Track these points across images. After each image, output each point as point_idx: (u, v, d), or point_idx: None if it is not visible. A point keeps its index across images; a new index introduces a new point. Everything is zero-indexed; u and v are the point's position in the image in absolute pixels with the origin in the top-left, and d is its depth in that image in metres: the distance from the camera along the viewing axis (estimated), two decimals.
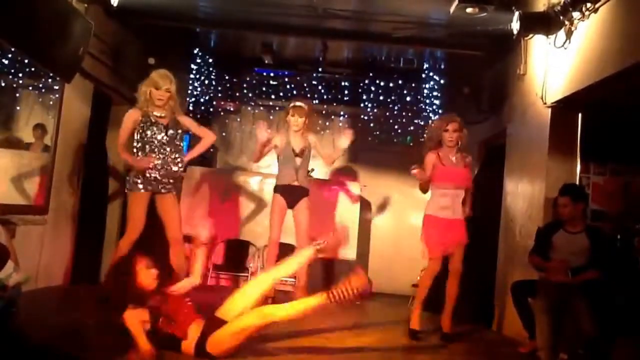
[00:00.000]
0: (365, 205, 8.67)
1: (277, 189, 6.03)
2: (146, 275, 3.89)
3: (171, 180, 5.08)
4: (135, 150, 5.01)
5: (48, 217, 5.67)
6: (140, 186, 4.97)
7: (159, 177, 5.00)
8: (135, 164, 4.96)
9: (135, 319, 3.67)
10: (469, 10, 5.41)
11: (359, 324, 5.53)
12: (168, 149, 5.02)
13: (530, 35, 5.65)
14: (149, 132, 4.99)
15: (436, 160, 5.22)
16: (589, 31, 4.66)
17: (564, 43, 4.99)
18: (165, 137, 5.02)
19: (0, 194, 4.99)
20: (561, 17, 4.97)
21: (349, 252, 7.66)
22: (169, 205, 5.09)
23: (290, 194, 5.96)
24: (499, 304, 6.01)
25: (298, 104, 6.05)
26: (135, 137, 5.00)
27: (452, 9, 5.50)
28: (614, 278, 4.52)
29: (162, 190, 5.05)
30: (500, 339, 5.69)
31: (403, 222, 9.18)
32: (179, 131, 5.14)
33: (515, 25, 5.28)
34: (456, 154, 5.26)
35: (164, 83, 4.98)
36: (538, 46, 5.70)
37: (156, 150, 4.99)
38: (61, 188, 5.89)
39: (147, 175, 4.95)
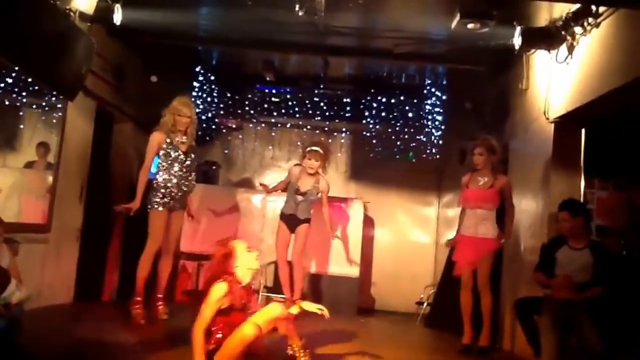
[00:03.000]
0: (368, 221, 8.64)
1: (281, 216, 6.38)
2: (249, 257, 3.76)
3: (183, 199, 5.60)
4: (158, 169, 5.45)
5: (51, 235, 5.66)
6: (160, 206, 5.43)
7: (175, 197, 5.48)
8: (137, 198, 5.37)
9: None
10: (470, 25, 5.43)
11: (362, 341, 5.48)
12: (186, 171, 5.52)
13: (532, 51, 5.68)
14: (172, 155, 5.44)
15: (464, 182, 5.54)
16: (591, 46, 4.67)
17: (566, 58, 5.01)
18: (184, 161, 5.50)
19: (3, 212, 4.97)
20: (563, 32, 4.99)
21: (351, 269, 7.62)
22: (177, 220, 5.62)
23: (291, 221, 6.30)
24: (504, 320, 5.96)
25: (314, 148, 6.24)
26: (160, 158, 5.44)
27: (453, 25, 5.52)
28: (618, 294, 4.48)
29: (176, 208, 5.54)
30: (506, 356, 5.63)
31: (406, 239, 9.16)
32: (195, 156, 5.68)
33: (516, 41, 5.31)
34: (487, 176, 5.36)
35: (187, 111, 5.49)
36: (540, 61, 5.71)
37: (177, 171, 5.46)
38: (64, 206, 5.88)
39: (166, 195, 5.42)
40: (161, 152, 5.44)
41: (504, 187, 5.33)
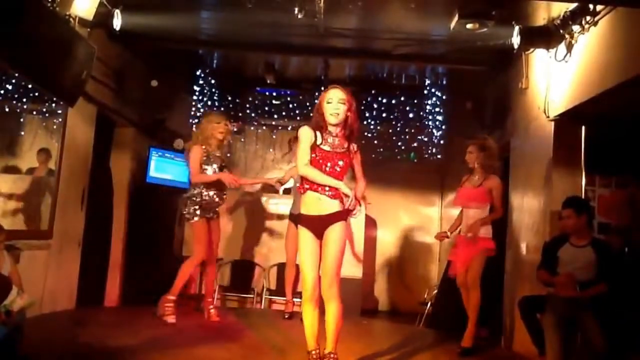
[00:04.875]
0: (370, 222, 8.64)
1: (290, 216, 6.34)
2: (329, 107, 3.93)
3: (219, 208, 5.85)
4: (192, 182, 5.65)
5: (53, 242, 5.66)
6: (198, 216, 5.64)
7: (211, 208, 5.71)
8: (223, 178, 5.61)
9: None
10: (469, 26, 5.44)
11: (365, 343, 5.48)
12: (221, 185, 5.70)
13: (531, 50, 5.67)
14: (214, 167, 5.66)
15: (462, 181, 5.55)
16: (589, 44, 4.67)
17: (565, 56, 5.01)
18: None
19: (4, 219, 4.99)
20: (561, 31, 5.00)
21: (354, 270, 7.61)
22: (216, 228, 5.86)
23: None
24: (507, 319, 5.96)
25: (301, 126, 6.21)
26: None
27: (452, 25, 5.53)
28: (622, 292, 4.47)
29: (213, 217, 5.79)
30: (509, 355, 5.63)
31: (409, 239, 9.16)
32: (229, 169, 5.91)
33: (515, 40, 5.31)
34: (478, 175, 5.36)
35: (222, 118, 5.80)
36: (539, 60, 5.71)
37: (212, 187, 5.65)
38: (66, 212, 5.88)
39: (202, 206, 5.62)
40: (201, 169, 5.62)
41: (493, 188, 5.29)
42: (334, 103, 3.88)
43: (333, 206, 3.85)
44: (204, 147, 5.64)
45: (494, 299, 6.20)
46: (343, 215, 3.87)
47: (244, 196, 8.45)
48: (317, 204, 3.88)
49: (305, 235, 3.91)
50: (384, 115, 9.11)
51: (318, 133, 3.89)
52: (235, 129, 9.35)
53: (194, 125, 8.74)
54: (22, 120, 5.58)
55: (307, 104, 9.15)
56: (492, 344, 5.97)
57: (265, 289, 7.97)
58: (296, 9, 5.50)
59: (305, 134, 3.88)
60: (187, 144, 5.82)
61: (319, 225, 3.87)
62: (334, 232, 3.84)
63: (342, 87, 3.99)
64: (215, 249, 5.95)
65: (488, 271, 5.34)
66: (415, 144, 9.03)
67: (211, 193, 5.66)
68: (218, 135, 5.70)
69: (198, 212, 5.62)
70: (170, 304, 5.55)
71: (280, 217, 8.31)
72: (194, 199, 5.63)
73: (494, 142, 5.52)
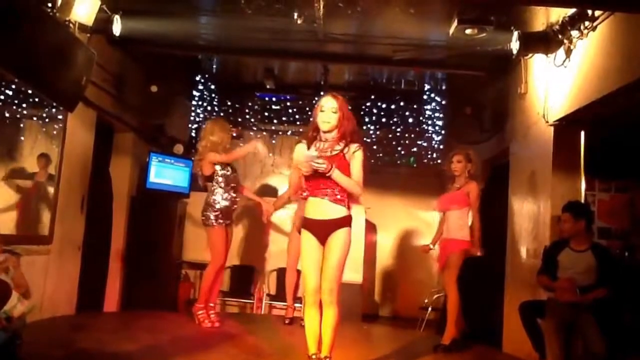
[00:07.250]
0: (370, 227, 8.64)
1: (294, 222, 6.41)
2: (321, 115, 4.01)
3: (232, 214, 5.89)
4: (217, 186, 5.73)
5: (52, 247, 5.65)
6: (218, 223, 5.68)
7: (228, 213, 5.75)
8: (247, 146, 5.81)
9: None
10: (468, 31, 5.46)
11: (365, 348, 5.48)
12: (234, 186, 5.82)
13: (530, 55, 5.69)
14: (224, 174, 5.75)
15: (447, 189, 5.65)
16: (588, 49, 4.68)
17: (564, 61, 5.02)
18: (235, 177, 5.85)
19: (4, 224, 4.98)
20: (560, 36, 5.01)
21: (355, 275, 7.61)
22: (230, 235, 5.91)
23: None
24: (508, 324, 5.95)
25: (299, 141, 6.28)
26: (218, 177, 5.74)
27: (451, 31, 5.55)
28: (622, 296, 4.48)
29: (228, 223, 5.81)
30: (507, 358, 5.62)
31: (409, 244, 9.15)
32: (236, 171, 5.95)
33: (514, 45, 5.34)
34: (461, 183, 5.46)
35: (230, 127, 5.98)
36: (538, 65, 5.72)
37: (228, 189, 5.75)
38: (65, 217, 5.88)
39: (222, 212, 5.67)
40: (217, 174, 5.72)
41: (470, 190, 5.41)
42: (327, 112, 3.94)
43: (335, 211, 3.87)
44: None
45: (494, 304, 6.20)
46: (347, 221, 3.89)
47: (243, 200, 8.43)
48: (318, 209, 3.90)
49: (308, 240, 3.92)
50: (383, 120, 9.13)
51: (305, 144, 4.05)
52: (234, 134, 9.38)
53: (194, 131, 8.79)
54: (22, 125, 5.57)
55: (307, 109, 9.17)
56: (493, 348, 5.96)
57: (265, 294, 7.96)
58: (295, 15, 5.52)
59: (297, 153, 4.04)
60: (197, 155, 5.85)
61: (322, 229, 3.88)
62: (337, 238, 3.85)
63: (335, 95, 4.03)
64: (227, 255, 5.96)
65: (488, 275, 5.36)
66: (414, 149, 9.05)
67: (227, 196, 5.73)
68: (227, 144, 5.83)
69: (218, 218, 5.67)
70: (200, 311, 5.71)
71: (280, 221, 8.30)
72: (214, 205, 5.69)
73: (475, 153, 5.62)
